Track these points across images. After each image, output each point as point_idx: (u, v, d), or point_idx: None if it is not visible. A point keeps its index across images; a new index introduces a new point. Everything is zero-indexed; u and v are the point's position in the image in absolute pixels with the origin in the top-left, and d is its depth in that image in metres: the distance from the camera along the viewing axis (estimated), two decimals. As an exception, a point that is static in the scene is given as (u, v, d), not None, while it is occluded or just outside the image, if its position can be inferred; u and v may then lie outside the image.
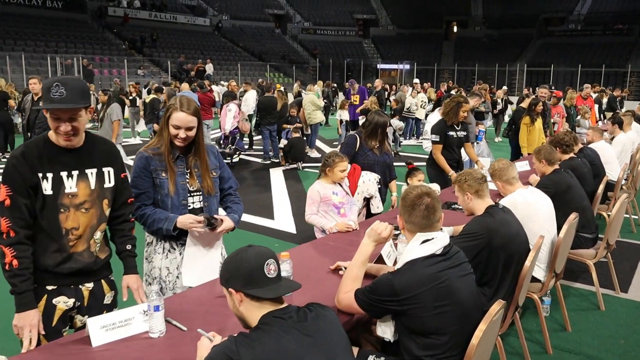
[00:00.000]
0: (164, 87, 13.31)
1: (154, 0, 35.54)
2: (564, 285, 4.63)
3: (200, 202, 2.73)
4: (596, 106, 13.73)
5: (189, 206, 2.69)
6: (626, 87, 23.67)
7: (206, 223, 2.59)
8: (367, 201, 4.47)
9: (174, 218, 2.60)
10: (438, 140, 5.47)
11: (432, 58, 36.41)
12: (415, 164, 5.25)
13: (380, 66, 37.45)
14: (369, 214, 4.48)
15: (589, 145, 6.33)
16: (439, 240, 2.18)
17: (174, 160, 2.66)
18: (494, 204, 3.13)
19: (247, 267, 1.70)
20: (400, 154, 12.11)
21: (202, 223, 2.58)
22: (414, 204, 2.22)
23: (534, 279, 3.48)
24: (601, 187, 5.07)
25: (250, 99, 12.63)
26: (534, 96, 9.48)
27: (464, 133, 5.61)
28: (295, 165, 10.43)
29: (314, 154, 11.76)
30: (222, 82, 21.87)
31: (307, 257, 3.11)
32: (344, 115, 12.99)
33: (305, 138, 11.49)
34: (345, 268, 2.57)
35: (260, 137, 11.49)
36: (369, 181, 4.33)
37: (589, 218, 4.40)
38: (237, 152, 10.71)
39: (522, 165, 6.20)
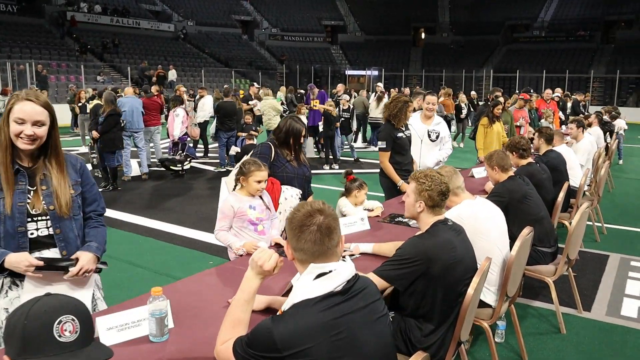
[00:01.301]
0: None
1: (115, 5, 34.58)
2: (522, 303, 4.19)
3: (48, 228, 2.14)
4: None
5: (32, 234, 2.11)
6: (589, 92, 23.85)
7: (48, 267, 2.01)
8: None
9: (2, 254, 2.01)
10: (385, 147, 4.90)
11: (400, 64, 36.30)
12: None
13: (348, 72, 37.15)
14: None
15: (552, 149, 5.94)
16: (339, 273, 1.64)
17: (14, 174, 2.08)
18: (442, 219, 2.59)
19: (27, 326, 1.17)
20: (362, 160, 11.67)
21: (41, 267, 2.00)
22: (302, 226, 1.67)
23: (484, 304, 3.01)
24: (561, 194, 4.65)
25: (208, 105, 12.08)
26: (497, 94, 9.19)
27: (409, 132, 5.15)
28: (249, 174, 9.84)
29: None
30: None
31: (205, 287, 2.56)
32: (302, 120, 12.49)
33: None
34: None
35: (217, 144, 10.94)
36: (291, 197, 3.65)
37: (547, 230, 3.96)
38: (188, 159, 10.11)
39: (479, 172, 5.78)
